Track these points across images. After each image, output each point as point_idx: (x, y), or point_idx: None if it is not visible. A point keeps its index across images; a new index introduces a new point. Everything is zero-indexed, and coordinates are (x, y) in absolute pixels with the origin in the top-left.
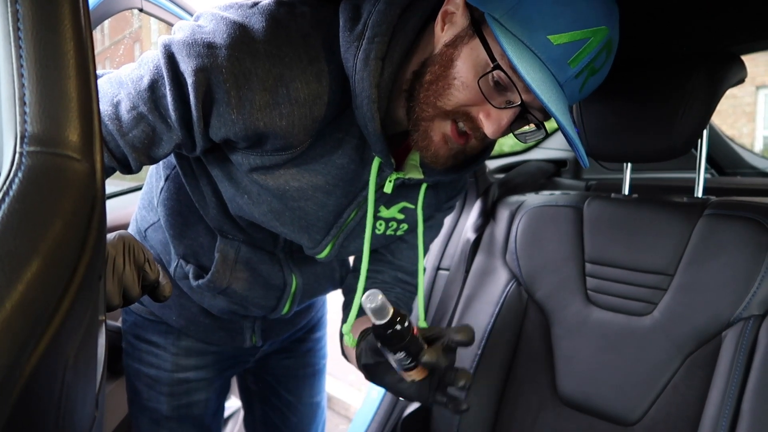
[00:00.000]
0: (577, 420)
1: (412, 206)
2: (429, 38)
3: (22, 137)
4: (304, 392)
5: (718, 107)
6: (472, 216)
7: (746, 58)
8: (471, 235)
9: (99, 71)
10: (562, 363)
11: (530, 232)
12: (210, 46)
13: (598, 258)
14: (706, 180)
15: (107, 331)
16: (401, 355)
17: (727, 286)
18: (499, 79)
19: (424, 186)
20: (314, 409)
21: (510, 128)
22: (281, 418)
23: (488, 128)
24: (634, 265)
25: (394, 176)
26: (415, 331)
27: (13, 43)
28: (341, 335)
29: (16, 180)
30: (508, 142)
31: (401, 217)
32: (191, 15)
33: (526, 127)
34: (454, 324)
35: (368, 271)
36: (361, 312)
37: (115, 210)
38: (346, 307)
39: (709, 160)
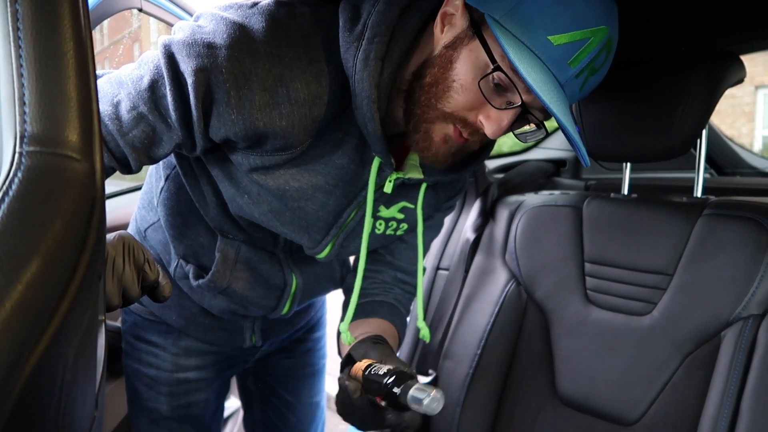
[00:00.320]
0: (577, 420)
1: (412, 206)
2: (428, 39)
3: (22, 137)
4: (304, 392)
5: (717, 107)
6: (471, 216)
7: (745, 58)
8: (470, 235)
9: (99, 71)
10: (562, 363)
11: (530, 231)
12: (210, 46)
13: (598, 258)
14: (705, 180)
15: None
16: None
17: (726, 286)
18: (500, 80)
19: (423, 186)
20: (314, 409)
21: (510, 128)
22: (281, 418)
23: (489, 129)
24: (634, 265)
25: (393, 176)
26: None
27: (12, 43)
28: (339, 333)
29: (16, 180)
30: (507, 142)
31: (401, 216)
32: (191, 15)
33: (527, 127)
34: (453, 324)
35: (368, 271)
36: (358, 311)
37: (115, 210)
38: (346, 306)
39: (709, 160)
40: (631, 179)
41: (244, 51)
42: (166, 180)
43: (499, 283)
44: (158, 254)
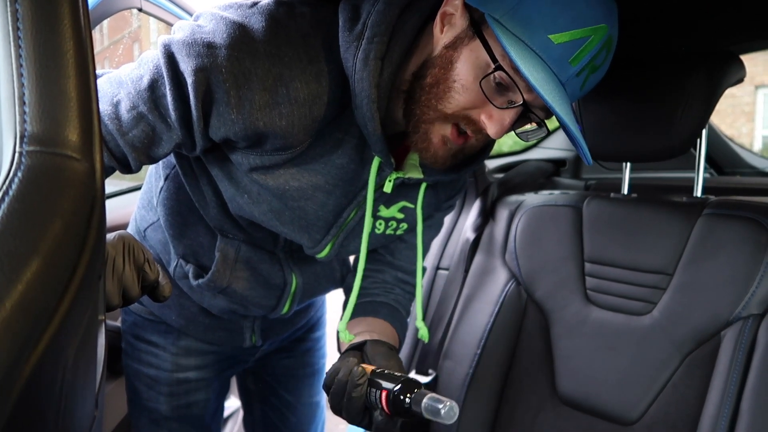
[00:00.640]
0: (577, 419)
1: (412, 206)
2: (428, 39)
3: (22, 137)
4: (304, 392)
5: (717, 107)
6: (471, 216)
7: (745, 58)
8: (470, 235)
9: (98, 71)
10: (562, 362)
11: (529, 231)
12: (210, 46)
13: (598, 257)
14: (705, 179)
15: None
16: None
17: (726, 286)
18: (501, 79)
19: (423, 185)
20: (314, 408)
21: (512, 127)
22: (280, 417)
23: (491, 129)
24: (634, 265)
25: (393, 176)
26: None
27: (12, 43)
28: (338, 332)
29: (16, 180)
30: (507, 142)
31: (401, 216)
32: (190, 15)
33: (528, 126)
34: (453, 323)
35: (369, 270)
36: (357, 310)
37: (115, 210)
38: (346, 305)
39: (709, 159)
40: (631, 179)
41: (244, 51)
42: (165, 180)
43: (498, 282)
44: (158, 254)
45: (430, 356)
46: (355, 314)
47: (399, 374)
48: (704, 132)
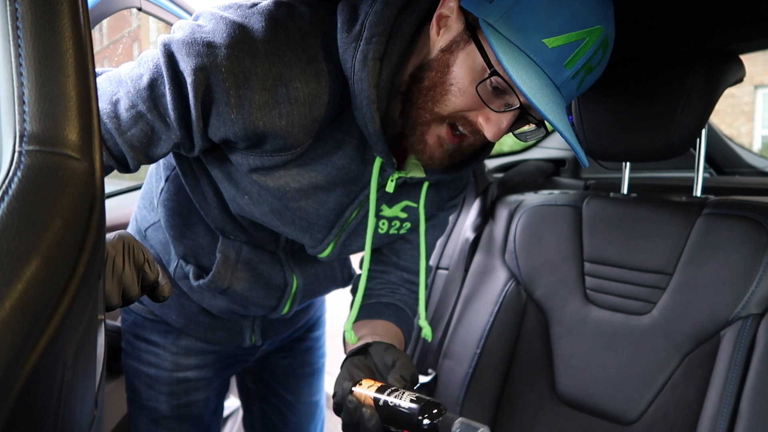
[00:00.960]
0: (576, 419)
1: (415, 205)
2: (425, 40)
3: (21, 136)
4: (303, 391)
5: (717, 106)
6: (471, 215)
7: (745, 58)
8: (470, 235)
9: (98, 70)
10: (561, 362)
11: (529, 231)
12: (209, 46)
13: (597, 257)
14: (704, 179)
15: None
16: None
17: (725, 285)
18: (497, 84)
19: (426, 184)
20: (313, 408)
21: (510, 129)
22: (280, 417)
23: (489, 132)
24: (633, 265)
25: (395, 175)
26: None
27: (12, 42)
28: (345, 332)
29: (16, 179)
30: (507, 142)
31: (404, 215)
32: (190, 14)
33: (526, 127)
34: (453, 323)
35: (375, 271)
36: (362, 312)
37: (115, 209)
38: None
39: (708, 159)
40: (630, 179)
41: (244, 50)
42: (166, 181)
43: (498, 282)
44: (158, 254)
45: (430, 355)
46: (360, 316)
47: (408, 394)
48: (704, 132)
